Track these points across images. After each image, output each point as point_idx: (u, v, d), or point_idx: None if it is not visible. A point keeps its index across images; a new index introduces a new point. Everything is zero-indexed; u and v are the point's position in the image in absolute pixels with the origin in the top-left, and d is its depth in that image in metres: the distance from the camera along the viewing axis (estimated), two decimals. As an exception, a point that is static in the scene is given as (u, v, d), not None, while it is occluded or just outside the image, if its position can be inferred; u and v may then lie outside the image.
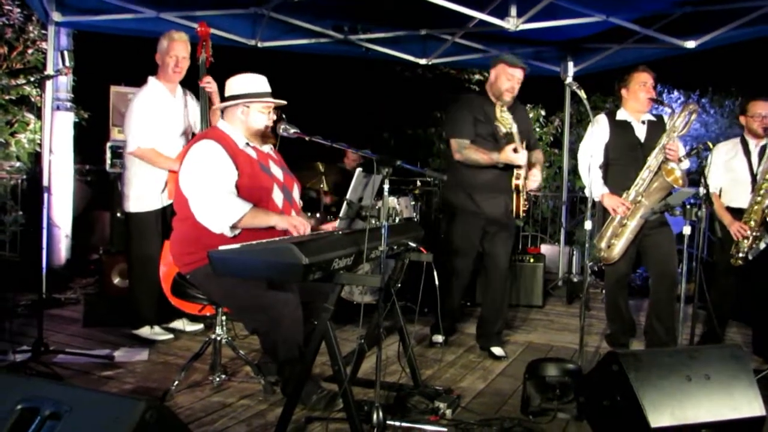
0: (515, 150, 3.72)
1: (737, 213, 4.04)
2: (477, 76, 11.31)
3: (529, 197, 4.03)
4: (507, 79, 3.87)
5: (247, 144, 3.08)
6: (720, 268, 4.16)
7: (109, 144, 5.32)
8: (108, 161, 5.29)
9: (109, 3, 5.20)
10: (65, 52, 3.86)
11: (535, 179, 3.95)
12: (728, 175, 4.14)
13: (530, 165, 3.96)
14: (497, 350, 4.05)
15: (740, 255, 3.98)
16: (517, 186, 3.86)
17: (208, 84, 4.02)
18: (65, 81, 6.00)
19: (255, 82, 3.11)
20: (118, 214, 5.29)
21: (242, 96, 3.06)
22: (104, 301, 4.54)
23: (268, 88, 3.13)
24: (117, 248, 5.21)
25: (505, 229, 4.04)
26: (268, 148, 3.21)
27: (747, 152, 4.11)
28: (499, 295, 4.09)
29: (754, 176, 4.05)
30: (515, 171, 3.84)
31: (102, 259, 4.83)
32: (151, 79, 4.02)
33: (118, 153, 5.21)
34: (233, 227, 2.87)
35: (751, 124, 4.09)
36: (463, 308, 5.28)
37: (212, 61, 4.16)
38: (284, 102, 3.14)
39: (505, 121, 3.70)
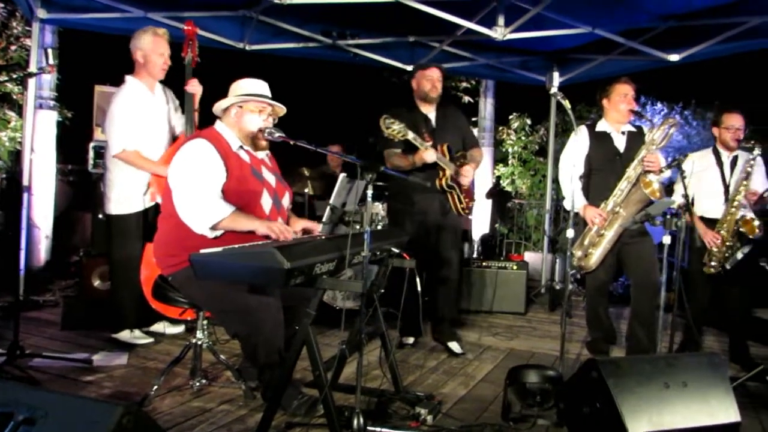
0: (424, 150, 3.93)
1: (710, 223, 4.10)
2: (464, 84, 11.37)
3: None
4: (426, 81, 4.19)
5: (241, 147, 3.07)
6: (695, 277, 4.21)
7: (92, 144, 5.28)
8: (91, 161, 5.25)
9: (96, 1, 5.15)
10: (49, 50, 3.81)
11: (466, 176, 4.17)
12: (701, 185, 4.19)
13: (465, 162, 4.20)
14: (454, 346, 4.20)
15: (713, 264, 4.05)
16: (441, 185, 4.07)
17: (192, 87, 4.00)
18: (49, 79, 5.95)
19: (251, 84, 3.12)
20: (100, 216, 5.25)
21: (237, 96, 3.08)
22: (83, 304, 4.48)
23: (263, 91, 3.13)
24: (98, 250, 5.16)
25: (449, 229, 4.22)
26: (263, 154, 3.21)
27: (719, 163, 4.18)
28: (446, 293, 4.27)
29: (726, 187, 4.11)
30: (440, 172, 4.05)
31: (82, 261, 4.78)
32: (129, 79, 3.97)
33: (101, 153, 5.17)
34: (213, 228, 2.86)
35: (724, 135, 4.16)
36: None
37: (198, 61, 4.12)
38: (280, 105, 3.14)
39: (394, 132, 3.83)
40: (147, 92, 3.98)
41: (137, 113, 3.88)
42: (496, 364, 4.06)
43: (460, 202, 4.16)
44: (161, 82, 4.09)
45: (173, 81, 4.13)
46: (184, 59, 4.10)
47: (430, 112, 4.23)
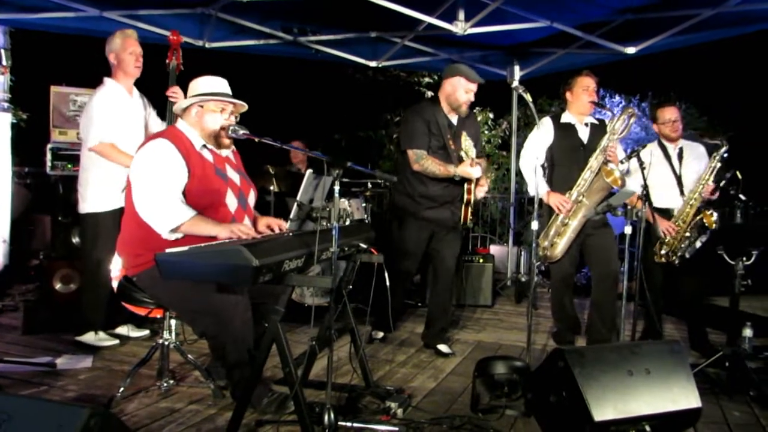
0: (471, 165, 3.85)
1: (662, 213, 4.19)
2: (427, 79, 11.43)
3: (477, 202, 4.14)
4: (465, 92, 3.98)
5: (204, 146, 3.03)
6: (648, 266, 4.30)
7: (49, 146, 5.15)
8: (48, 163, 5.12)
9: (49, 1, 5.02)
10: (2, 51, 3.74)
11: (482, 189, 4.07)
12: (652, 177, 4.28)
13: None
14: (444, 347, 4.14)
15: (662, 252, 4.15)
16: (468, 200, 3.98)
17: (174, 94, 3.97)
18: (2, 80, 5.75)
19: (210, 82, 3.07)
20: (60, 218, 5.14)
21: (196, 96, 3.03)
22: (45, 308, 4.39)
23: (223, 89, 3.08)
24: (59, 253, 5.04)
25: (452, 231, 4.14)
26: (227, 152, 3.17)
27: (667, 155, 4.28)
28: (444, 295, 4.21)
29: (678, 177, 4.22)
30: (466, 185, 3.96)
31: (43, 265, 4.67)
32: (107, 80, 3.95)
33: (59, 155, 5.06)
34: (174, 231, 2.82)
35: (663, 130, 4.28)
36: (413, 309, 5.35)
37: (182, 69, 4.12)
38: (241, 102, 3.10)
39: (468, 150, 3.83)
40: (125, 94, 3.96)
41: (115, 111, 3.85)
42: (465, 356, 4.10)
43: (470, 214, 4.08)
44: (140, 88, 4.07)
45: (156, 88, 4.09)
46: (168, 65, 4.09)
47: (452, 116, 4.08)
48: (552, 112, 5.75)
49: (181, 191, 2.87)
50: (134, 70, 3.96)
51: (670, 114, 4.26)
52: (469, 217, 4.08)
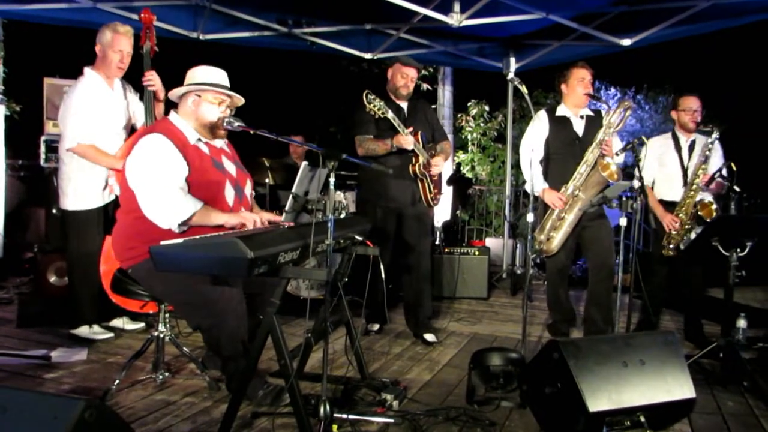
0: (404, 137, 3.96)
1: (669, 206, 4.20)
2: (422, 71, 11.40)
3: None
4: (401, 77, 4.16)
5: (199, 139, 3.01)
6: (654, 259, 4.32)
7: (43, 138, 5.13)
8: (42, 155, 5.10)
9: (42, -9, 5.00)
10: (-6, 42, 3.72)
11: (437, 165, 4.21)
12: (661, 169, 4.29)
13: (436, 153, 4.24)
14: (429, 336, 4.19)
15: (671, 246, 4.15)
16: (414, 171, 4.09)
17: (150, 81, 3.90)
18: (-5, 72, 5.75)
19: (211, 73, 3.05)
20: (54, 211, 5.12)
21: (195, 84, 3.00)
22: (40, 301, 4.39)
23: (222, 80, 3.06)
24: (53, 246, 5.02)
25: (419, 219, 4.24)
26: (221, 143, 3.15)
27: (678, 147, 4.26)
28: (419, 284, 4.25)
29: (684, 170, 4.21)
30: (413, 158, 4.08)
31: (37, 257, 4.65)
32: (87, 71, 3.86)
33: (53, 147, 5.04)
34: (182, 224, 2.81)
35: (682, 119, 4.24)
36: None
37: (157, 50, 4.03)
38: (239, 96, 3.08)
39: (375, 108, 3.85)
40: (105, 86, 3.88)
41: (95, 106, 3.78)
42: (460, 348, 4.11)
43: (430, 192, 4.18)
44: (125, 76, 4.00)
45: (133, 71, 4.02)
46: (142, 48, 3.99)
47: (401, 103, 4.24)
48: (547, 104, 5.75)
49: (184, 183, 2.85)
50: (116, 71, 3.88)
51: (692, 102, 4.21)
52: (429, 194, 4.18)
